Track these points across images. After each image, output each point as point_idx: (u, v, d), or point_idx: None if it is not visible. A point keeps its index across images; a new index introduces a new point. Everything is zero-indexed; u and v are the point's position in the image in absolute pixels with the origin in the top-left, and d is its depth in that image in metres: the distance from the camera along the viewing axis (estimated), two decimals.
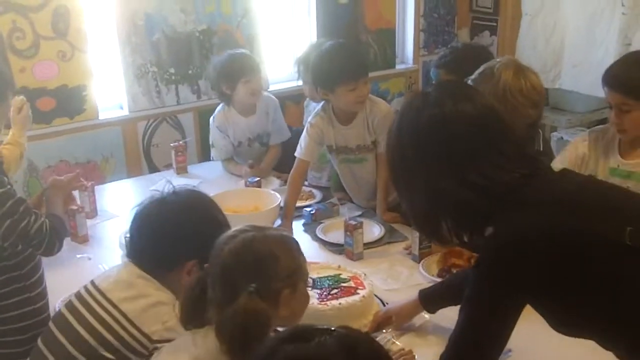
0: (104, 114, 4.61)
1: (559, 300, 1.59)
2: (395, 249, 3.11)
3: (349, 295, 2.43)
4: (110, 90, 4.69)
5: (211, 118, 4.14)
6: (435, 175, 1.64)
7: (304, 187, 3.64)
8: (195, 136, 4.82)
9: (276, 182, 3.87)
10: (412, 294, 2.42)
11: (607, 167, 2.75)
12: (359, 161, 3.48)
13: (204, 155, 4.65)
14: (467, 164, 1.61)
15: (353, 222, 3.00)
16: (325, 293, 2.41)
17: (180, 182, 3.85)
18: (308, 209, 3.42)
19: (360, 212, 3.46)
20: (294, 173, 3.42)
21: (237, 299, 1.63)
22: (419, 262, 2.90)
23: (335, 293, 2.43)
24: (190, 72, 4.78)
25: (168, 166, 4.37)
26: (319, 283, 2.48)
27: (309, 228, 3.31)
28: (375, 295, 2.56)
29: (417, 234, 2.91)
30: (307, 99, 4.09)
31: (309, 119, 3.45)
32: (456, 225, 1.69)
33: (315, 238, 3.21)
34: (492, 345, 1.64)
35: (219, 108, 4.13)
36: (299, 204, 3.49)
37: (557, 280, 1.54)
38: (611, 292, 1.54)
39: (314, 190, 3.78)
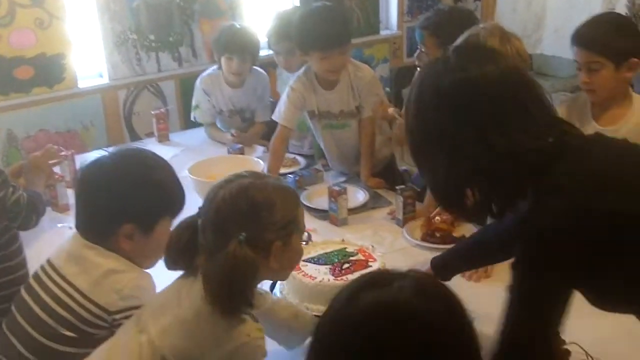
0: (84, 83, 4.55)
1: (603, 280, 1.53)
2: (379, 214, 3.10)
3: (363, 269, 2.38)
4: (90, 59, 4.63)
5: (199, 78, 4.08)
6: (460, 142, 1.54)
7: (287, 154, 3.62)
8: (177, 104, 4.78)
9: (260, 149, 3.84)
10: (415, 262, 2.41)
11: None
12: (342, 127, 3.45)
13: (186, 123, 4.60)
14: (494, 129, 1.52)
15: (337, 188, 2.98)
16: (337, 269, 2.36)
17: (162, 150, 3.85)
18: (292, 176, 3.40)
19: (344, 178, 3.44)
20: (275, 140, 3.39)
21: (227, 246, 1.60)
22: (402, 227, 2.90)
23: (348, 267, 2.38)
24: (170, 39, 4.72)
25: (150, 134, 4.32)
26: (327, 259, 2.43)
27: None
28: None
29: (402, 198, 2.90)
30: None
31: (290, 83, 3.40)
32: (485, 196, 1.60)
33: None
34: (547, 334, 1.57)
35: (209, 70, 4.07)
36: (283, 170, 3.47)
37: (602, 262, 1.48)
38: None
39: (298, 157, 3.76)
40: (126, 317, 1.87)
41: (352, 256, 2.45)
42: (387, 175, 3.51)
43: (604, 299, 1.62)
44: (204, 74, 4.08)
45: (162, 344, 1.67)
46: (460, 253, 2.23)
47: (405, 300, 1.17)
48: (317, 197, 3.21)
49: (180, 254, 1.74)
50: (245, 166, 3.24)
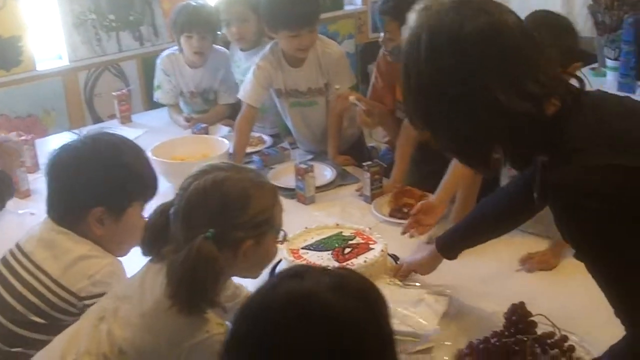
0: (43, 65, 4.44)
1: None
2: (347, 191, 3.09)
3: (366, 252, 2.36)
4: (48, 40, 4.52)
5: (159, 58, 4.01)
6: (489, 92, 1.42)
7: (253, 133, 3.57)
8: (140, 84, 4.69)
9: (225, 129, 3.79)
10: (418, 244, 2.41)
11: None
12: (310, 104, 3.41)
13: (150, 103, 4.52)
14: (524, 74, 1.43)
15: (304, 166, 2.95)
16: (339, 254, 2.35)
17: (124, 131, 3.76)
18: (257, 156, 3.37)
19: (311, 156, 3.41)
20: (240, 119, 3.35)
21: (192, 241, 1.55)
22: (370, 203, 2.88)
23: (351, 252, 2.36)
24: (131, 18, 4.62)
25: (112, 116, 4.25)
26: (327, 244, 2.42)
27: None
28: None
29: (368, 175, 2.88)
30: (232, 46, 3.91)
31: (257, 61, 3.35)
32: (512, 146, 1.50)
33: None
34: None
35: (169, 50, 3.99)
36: (249, 150, 3.44)
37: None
38: None
39: (264, 136, 3.71)
40: None
41: (351, 240, 2.44)
42: (355, 152, 3.48)
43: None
44: (164, 53, 4.00)
45: (121, 335, 1.63)
46: (463, 230, 2.18)
47: (319, 293, 1.14)
48: (284, 175, 3.18)
49: (154, 239, 1.70)
50: (210, 147, 3.24)
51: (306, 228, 2.53)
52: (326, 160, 3.34)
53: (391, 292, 2.17)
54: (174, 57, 3.94)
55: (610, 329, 1.92)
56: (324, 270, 1.22)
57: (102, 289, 1.85)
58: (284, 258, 2.33)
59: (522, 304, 1.96)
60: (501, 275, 2.34)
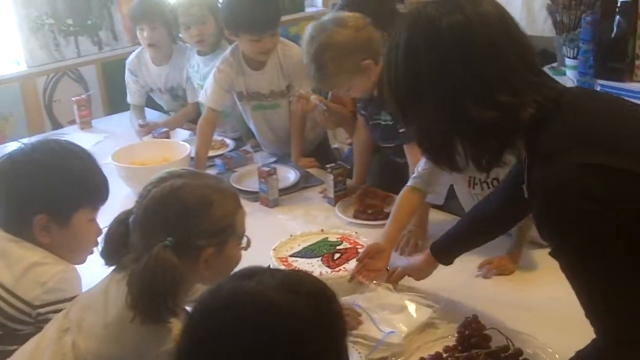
0: (0, 71, 4.38)
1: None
2: (311, 193, 3.08)
3: (356, 256, 2.33)
4: (5, 45, 4.45)
5: (127, 61, 3.97)
6: (457, 94, 1.44)
7: (215, 136, 3.55)
8: (100, 89, 4.65)
9: (186, 132, 3.76)
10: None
11: None
12: (273, 107, 3.39)
13: (110, 108, 4.49)
14: (496, 79, 1.43)
15: (267, 169, 2.94)
16: (329, 260, 2.33)
17: (85, 137, 3.77)
18: (220, 160, 3.35)
19: (274, 159, 3.40)
20: (202, 122, 3.32)
21: (151, 250, 1.52)
22: (334, 205, 2.87)
23: (340, 257, 2.34)
24: (89, 22, 4.58)
25: (72, 122, 4.19)
26: (315, 251, 2.40)
27: (223, 177, 3.22)
28: None
29: (332, 177, 2.87)
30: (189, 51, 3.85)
31: (217, 64, 3.32)
32: (476, 149, 1.50)
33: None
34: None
35: (137, 49, 3.95)
36: (211, 153, 3.41)
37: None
38: None
39: (226, 139, 3.69)
40: (51, 312, 1.80)
41: (338, 245, 2.43)
42: (319, 154, 3.47)
43: None
44: (131, 55, 3.96)
45: (86, 347, 1.59)
46: (457, 235, 2.13)
47: (264, 292, 1.14)
48: (247, 178, 3.17)
49: (115, 248, 1.66)
50: (171, 151, 3.21)
51: (291, 235, 2.50)
52: (289, 163, 3.32)
53: (378, 294, 2.15)
54: (141, 55, 3.90)
55: (569, 337, 1.96)
56: (274, 270, 1.21)
57: (56, 297, 1.82)
58: (272, 264, 2.30)
59: (475, 317, 1.94)
60: (463, 282, 2.29)
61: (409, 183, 2.43)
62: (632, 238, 1.37)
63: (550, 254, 1.49)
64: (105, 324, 1.58)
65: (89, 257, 2.02)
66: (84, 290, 1.85)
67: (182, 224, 1.56)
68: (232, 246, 1.66)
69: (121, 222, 1.65)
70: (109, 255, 1.68)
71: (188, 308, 1.67)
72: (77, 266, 1.97)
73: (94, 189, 1.98)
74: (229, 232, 1.64)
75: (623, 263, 1.40)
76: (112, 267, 1.69)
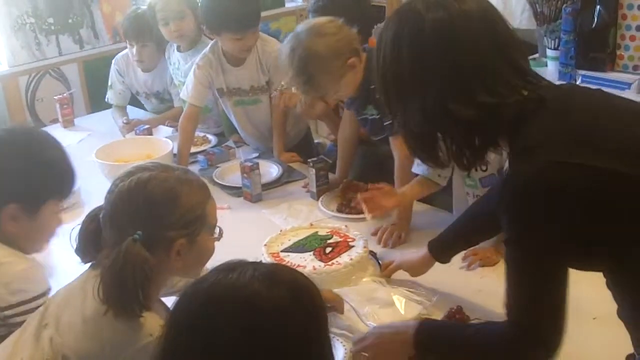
0: None
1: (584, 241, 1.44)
2: (294, 188, 3.08)
3: (348, 249, 2.34)
4: None
5: (114, 59, 3.96)
6: (439, 93, 1.45)
7: (198, 132, 3.54)
8: (82, 87, 4.62)
9: (168, 129, 3.74)
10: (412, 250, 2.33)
11: None
12: (254, 103, 3.39)
13: (93, 106, 4.47)
14: (477, 79, 1.43)
15: (249, 164, 2.94)
16: (321, 254, 2.33)
17: (67, 135, 3.77)
18: (202, 155, 3.34)
19: (256, 154, 3.39)
20: (183, 119, 3.31)
21: (121, 244, 1.52)
22: (317, 200, 2.88)
23: (332, 251, 2.34)
24: (70, 21, 4.55)
25: (54, 120, 4.17)
26: (306, 246, 2.39)
27: (206, 173, 3.22)
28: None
29: (314, 171, 2.87)
30: (168, 48, 3.83)
31: (197, 61, 3.32)
32: (457, 147, 1.50)
33: (213, 182, 3.13)
34: (558, 298, 1.46)
35: (125, 50, 3.92)
36: (193, 149, 3.41)
37: (584, 219, 1.39)
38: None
39: (209, 135, 3.68)
40: (20, 314, 1.78)
41: (329, 239, 2.42)
42: (302, 149, 3.48)
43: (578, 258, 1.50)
44: (120, 54, 3.95)
45: (64, 342, 1.58)
46: (455, 233, 2.13)
47: (245, 284, 1.14)
48: (230, 174, 3.17)
49: (88, 245, 1.66)
50: (153, 148, 3.20)
51: (281, 231, 2.50)
52: (272, 158, 3.32)
53: (369, 288, 2.16)
54: (128, 57, 3.88)
55: None
56: (255, 264, 1.20)
57: (21, 297, 1.79)
58: (265, 260, 2.29)
59: (459, 308, 1.94)
60: (448, 274, 2.26)
61: (426, 174, 2.50)
62: (572, 251, 1.42)
63: (504, 242, 1.51)
64: (84, 319, 1.57)
65: (67, 256, 1.99)
66: (60, 285, 1.82)
67: (151, 216, 1.56)
68: (204, 237, 1.65)
69: (93, 219, 1.65)
70: (83, 253, 1.67)
71: (166, 301, 1.68)
72: (58, 266, 1.95)
73: (67, 180, 1.96)
74: (199, 223, 1.63)
75: (556, 271, 1.43)
76: (90, 264, 1.69)
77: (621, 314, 1.50)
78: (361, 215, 2.63)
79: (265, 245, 2.39)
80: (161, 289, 1.67)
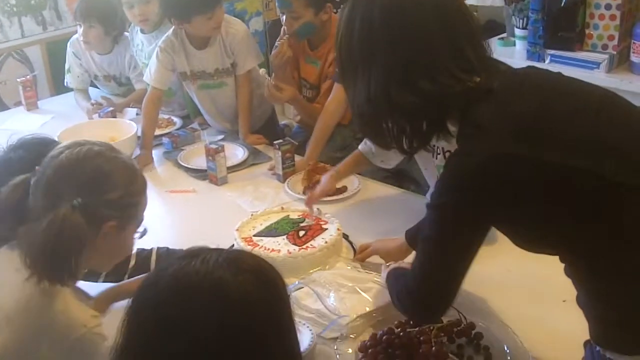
0: None
1: (520, 225, 1.48)
2: (259, 170, 3.05)
3: (321, 232, 2.32)
4: None
5: (69, 41, 3.89)
6: (383, 77, 1.47)
7: (162, 115, 3.49)
8: (45, 69, 4.55)
9: (132, 111, 3.69)
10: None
11: None
12: (219, 86, 3.34)
13: (57, 89, 4.40)
14: (420, 67, 1.44)
15: (214, 146, 2.90)
16: (294, 238, 2.30)
17: (31, 118, 3.73)
18: (167, 138, 3.30)
19: (222, 136, 3.35)
20: (146, 102, 3.26)
21: (56, 209, 1.47)
22: (283, 182, 2.85)
23: (305, 234, 2.31)
24: (33, 2, 4.49)
25: (18, 103, 4.12)
26: (278, 229, 2.36)
27: (170, 156, 3.19)
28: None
29: (280, 153, 2.84)
30: (132, 30, 3.77)
31: (159, 43, 3.26)
32: (398, 131, 1.52)
33: (178, 165, 3.09)
34: (455, 275, 1.53)
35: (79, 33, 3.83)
36: (158, 132, 3.36)
37: (519, 209, 1.42)
38: (579, 223, 1.40)
39: (173, 117, 3.64)
40: None
41: (301, 222, 2.40)
42: (268, 131, 3.45)
43: (523, 241, 1.54)
44: (74, 36, 3.87)
45: None
46: None
47: (209, 269, 1.13)
48: (194, 156, 3.13)
49: (8, 215, 1.58)
50: (117, 130, 3.15)
51: (252, 215, 2.46)
52: (237, 140, 3.28)
53: (342, 273, 2.13)
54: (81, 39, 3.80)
55: (522, 309, 1.96)
56: (217, 250, 1.19)
57: None
58: (237, 244, 2.26)
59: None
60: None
61: (360, 148, 2.60)
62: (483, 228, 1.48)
63: (426, 205, 1.55)
64: (6, 317, 1.50)
65: None
66: None
67: (93, 187, 1.54)
68: (131, 230, 1.65)
69: (18, 186, 1.58)
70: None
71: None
72: None
73: None
74: (133, 211, 1.63)
75: (466, 244, 1.49)
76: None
77: (578, 301, 1.49)
78: (327, 198, 2.62)
79: (236, 230, 2.35)
80: (82, 269, 1.62)
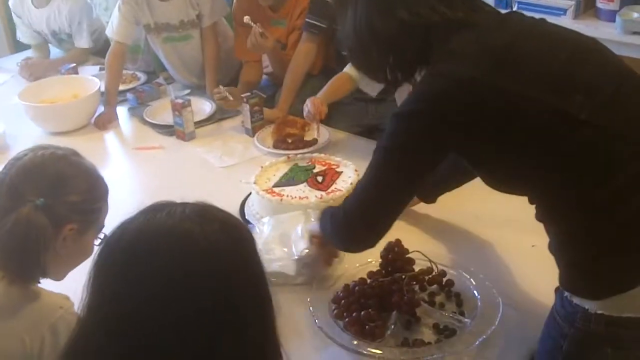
0: None
1: (483, 156, 1.49)
2: (228, 124, 3.01)
3: (339, 176, 2.31)
4: None
5: None
6: (365, 7, 1.53)
7: (126, 70, 3.43)
8: (4, 26, 4.43)
9: (94, 67, 3.61)
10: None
11: None
12: (184, 39, 3.28)
13: (16, 46, 4.28)
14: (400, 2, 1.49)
15: (181, 101, 2.84)
16: (315, 184, 2.27)
17: None
18: (132, 92, 3.24)
19: (188, 91, 3.30)
20: (109, 56, 3.19)
21: (18, 210, 1.47)
22: (253, 136, 2.81)
23: (324, 180, 2.29)
24: None
25: None
26: (294, 178, 2.33)
27: (136, 112, 3.14)
28: None
29: (248, 107, 2.80)
30: None
31: None
32: (382, 61, 1.57)
33: (144, 122, 3.04)
34: (395, 200, 1.58)
35: None
36: (123, 87, 3.30)
37: (481, 139, 1.43)
38: (546, 158, 1.39)
39: (138, 72, 3.56)
40: None
41: (313, 169, 2.38)
42: (235, 85, 3.36)
43: (491, 179, 1.54)
44: None
45: None
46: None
47: (175, 222, 1.12)
48: (161, 112, 3.09)
49: None
50: (80, 87, 3.09)
51: (262, 167, 2.40)
52: (204, 95, 3.23)
53: None
54: None
55: (490, 256, 1.98)
56: (181, 204, 1.17)
57: None
58: (262, 197, 2.19)
59: (398, 241, 1.92)
60: None
61: (346, 69, 2.67)
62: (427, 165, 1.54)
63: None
64: None
65: None
66: None
67: (56, 189, 1.53)
68: (91, 236, 1.62)
69: None
70: None
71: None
72: None
73: None
74: (94, 217, 1.61)
75: (409, 177, 1.55)
76: None
77: (550, 248, 1.49)
78: (298, 151, 2.59)
79: (254, 183, 2.28)
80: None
